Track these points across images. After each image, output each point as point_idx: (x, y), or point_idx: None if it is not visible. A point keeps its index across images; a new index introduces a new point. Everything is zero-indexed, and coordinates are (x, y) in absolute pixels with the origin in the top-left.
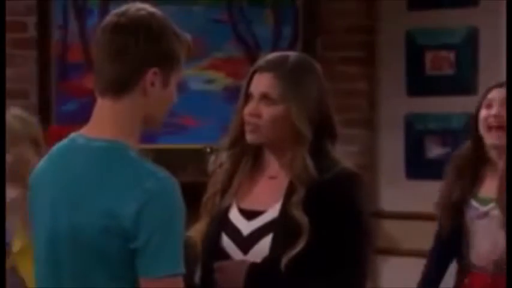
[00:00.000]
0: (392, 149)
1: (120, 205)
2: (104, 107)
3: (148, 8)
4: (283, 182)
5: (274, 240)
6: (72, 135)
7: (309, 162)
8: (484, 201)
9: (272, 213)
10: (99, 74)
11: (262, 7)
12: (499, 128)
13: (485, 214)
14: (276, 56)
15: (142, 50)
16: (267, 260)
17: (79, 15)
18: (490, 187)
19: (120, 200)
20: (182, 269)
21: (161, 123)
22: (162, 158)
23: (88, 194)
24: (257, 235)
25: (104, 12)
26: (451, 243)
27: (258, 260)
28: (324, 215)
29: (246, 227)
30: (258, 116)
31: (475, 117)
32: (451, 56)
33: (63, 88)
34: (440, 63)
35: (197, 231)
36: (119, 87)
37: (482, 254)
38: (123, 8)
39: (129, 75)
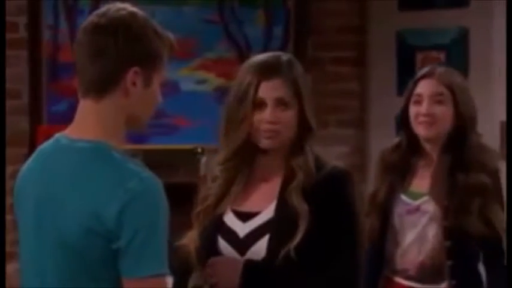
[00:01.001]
0: None
1: (103, 206)
2: (86, 108)
3: (129, 7)
4: (277, 183)
5: (270, 241)
6: (57, 135)
7: (310, 155)
8: (415, 195)
9: (267, 214)
10: (80, 75)
11: (253, 8)
12: (430, 124)
13: (417, 209)
14: (272, 59)
15: (121, 50)
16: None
17: (70, 16)
18: (421, 181)
19: (103, 201)
20: (166, 270)
21: (146, 124)
22: (153, 158)
23: (71, 195)
24: (253, 236)
25: None
26: (381, 244)
27: None
28: (318, 213)
29: (241, 228)
30: (278, 122)
31: (404, 111)
32: (442, 56)
33: (54, 88)
34: (431, 63)
35: (190, 239)
36: (100, 87)
37: (407, 253)
38: (104, 8)
39: (110, 75)
